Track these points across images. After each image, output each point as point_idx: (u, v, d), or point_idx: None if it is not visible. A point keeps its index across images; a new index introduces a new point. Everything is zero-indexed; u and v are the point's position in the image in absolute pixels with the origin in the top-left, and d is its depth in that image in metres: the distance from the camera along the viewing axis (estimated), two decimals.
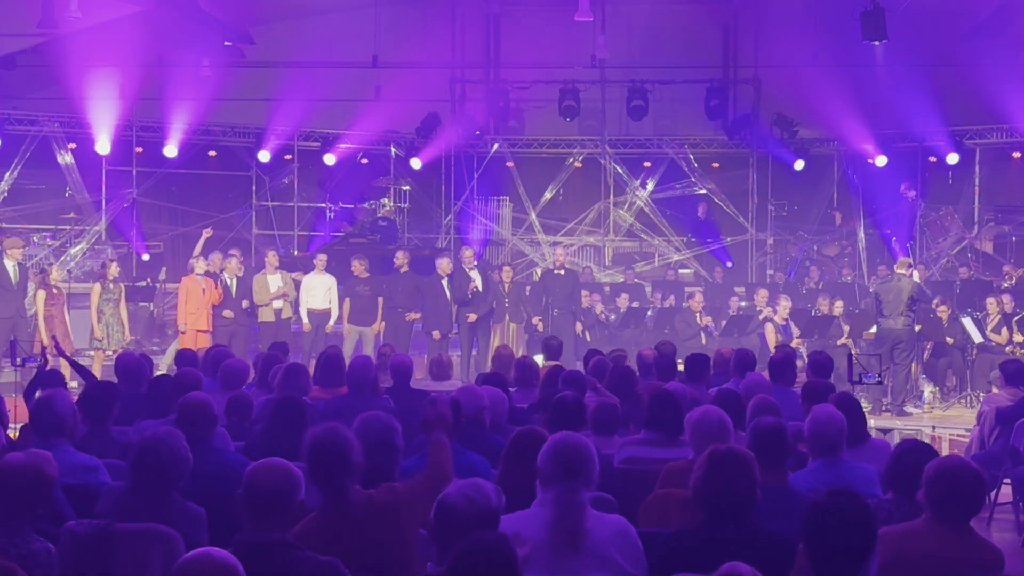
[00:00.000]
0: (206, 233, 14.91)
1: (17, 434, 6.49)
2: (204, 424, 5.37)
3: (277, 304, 13.43)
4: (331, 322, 13.76)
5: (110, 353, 12.62)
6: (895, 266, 13.13)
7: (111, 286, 13.14)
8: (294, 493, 3.60)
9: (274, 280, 13.51)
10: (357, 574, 3.69)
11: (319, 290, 13.75)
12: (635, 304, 15.81)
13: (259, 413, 6.59)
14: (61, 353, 9.68)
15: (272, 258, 13.73)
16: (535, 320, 13.98)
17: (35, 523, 3.97)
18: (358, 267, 13.90)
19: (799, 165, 18.00)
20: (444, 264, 13.91)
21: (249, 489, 3.57)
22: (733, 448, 4.00)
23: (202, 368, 7.97)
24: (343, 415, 6.37)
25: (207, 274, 13.07)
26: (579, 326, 14.47)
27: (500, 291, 14.11)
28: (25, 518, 3.90)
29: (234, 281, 13.37)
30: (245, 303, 13.29)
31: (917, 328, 13.14)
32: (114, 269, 13.32)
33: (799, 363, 10.76)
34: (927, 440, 10.87)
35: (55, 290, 12.93)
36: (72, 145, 17.08)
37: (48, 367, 8.54)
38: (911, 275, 12.86)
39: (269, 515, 3.53)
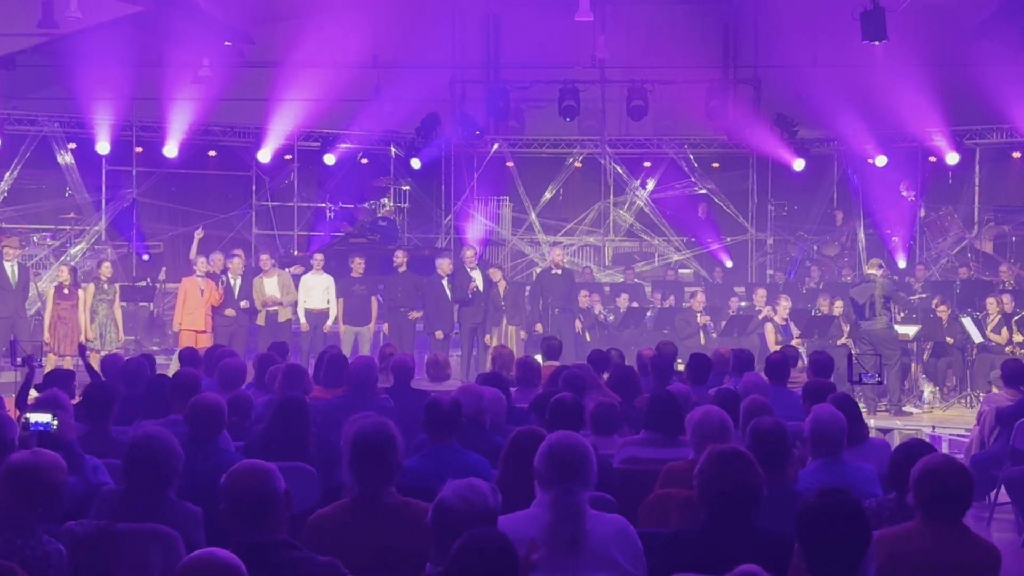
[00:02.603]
0: (198, 234, 14.89)
1: None
2: (213, 425, 5.37)
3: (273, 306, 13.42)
4: (329, 322, 13.74)
5: (105, 353, 12.59)
6: (865, 268, 13.14)
7: (105, 286, 13.11)
8: (277, 490, 3.52)
9: (270, 283, 13.47)
10: None
11: (317, 290, 13.72)
12: (635, 304, 15.80)
13: (258, 413, 6.59)
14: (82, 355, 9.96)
15: (264, 262, 13.70)
16: (538, 328, 13.94)
17: (44, 524, 3.92)
18: (358, 265, 13.88)
19: (799, 165, 17.98)
20: (444, 264, 13.91)
21: (232, 499, 3.48)
22: (736, 447, 4.00)
23: (204, 368, 7.96)
24: (342, 415, 6.38)
25: (208, 275, 13.06)
26: (579, 324, 14.45)
27: (496, 294, 14.05)
28: (35, 519, 3.85)
29: (238, 281, 13.36)
30: (244, 303, 13.28)
31: (914, 331, 13.12)
32: (107, 269, 13.28)
33: (800, 363, 10.77)
34: (927, 440, 10.88)
35: (65, 290, 12.89)
36: (72, 145, 17.06)
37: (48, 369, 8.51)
38: (881, 275, 12.87)
39: (258, 518, 3.47)
